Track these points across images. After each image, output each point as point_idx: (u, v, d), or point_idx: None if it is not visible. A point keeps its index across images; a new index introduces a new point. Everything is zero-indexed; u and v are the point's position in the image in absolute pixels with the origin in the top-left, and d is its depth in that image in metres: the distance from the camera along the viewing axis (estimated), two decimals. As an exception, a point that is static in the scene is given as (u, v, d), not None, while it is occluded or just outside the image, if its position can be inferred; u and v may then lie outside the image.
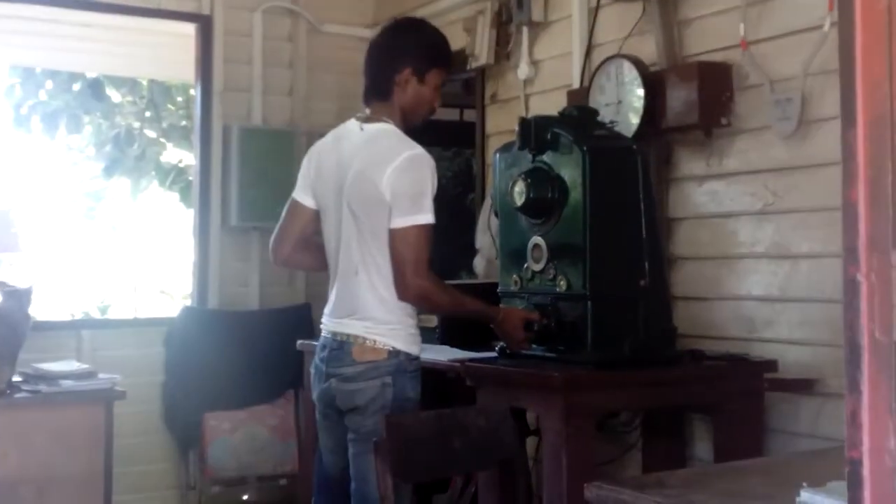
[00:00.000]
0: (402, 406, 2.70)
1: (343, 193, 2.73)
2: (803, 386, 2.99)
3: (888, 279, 1.15)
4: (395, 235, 2.66)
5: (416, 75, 2.80)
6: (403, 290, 2.70)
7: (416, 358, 2.78)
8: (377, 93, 2.82)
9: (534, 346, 2.94)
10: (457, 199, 5.49)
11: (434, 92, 2.85)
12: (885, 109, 1.17)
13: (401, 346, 2.73)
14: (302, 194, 2.89)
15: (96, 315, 9.30)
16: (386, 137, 2.74)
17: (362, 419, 2.70)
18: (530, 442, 3.48)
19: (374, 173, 2.66)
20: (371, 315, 2.71)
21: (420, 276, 2.69)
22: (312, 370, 2.88)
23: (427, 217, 2.67)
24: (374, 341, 2.70)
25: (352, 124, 2.83)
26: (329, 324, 2.81)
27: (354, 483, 2.72)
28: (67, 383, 3.51)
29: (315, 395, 2.87)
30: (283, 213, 2.94)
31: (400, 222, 2.65)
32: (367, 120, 2.80)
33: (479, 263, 4.09)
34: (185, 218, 5.76)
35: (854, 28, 1.18)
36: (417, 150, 2.70)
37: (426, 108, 2.86)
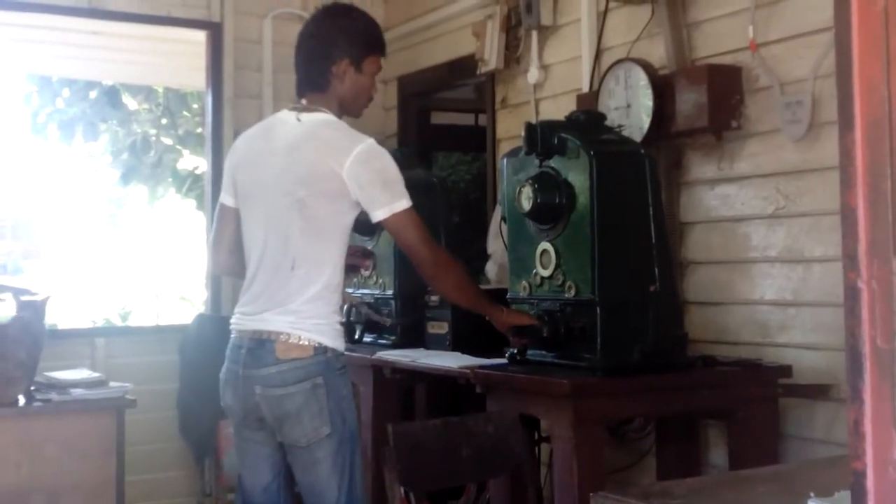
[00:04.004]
0: (339, 406, 2.53)
1: (284, 184, 2.56)
2: (818, 391, 2.95)
3: (889, 285, 1.12)
4: (390, 226, 2.56)
5: (353, 65, 2.66)
6: (430, 267, 2.59)
7: (343, 354, 2.59)
8: (313, 85, 2.67)
9: (543, 352, 2.92)
10: (475, 203, 5.48)
11: (371, 80, 2.72)
12: (883, 113, 1.14)
13: (327, 342, 2.53)
14: (227, 196, 2.73)
15: (117, 322, 9.35)
16: (330, 128, 2.61)
17: (300, 429, 2.50)
18: (545, 449, 3.46)
19: (331, 165, 2.51)
20: (297, 309, 2.52)
21: (438, 249, 2.62)
22: (223, 376, 2.63)
23: (407, 202, 2.55)
24: (299, 337, 2.50)
25: (285, 115, 2.67)
26: (245, 321, 2.59)
27: (307, 499, 2.58)
28: (78, 392, 3.51)
29: (230, 404, 2.62)
30: (215, 220, 2.81)
31: (385, 212, 2.53)
32: (303, 110, 2.64)
33: (490, 269, 4.07)
34: (201, 225, 5.78)
35: (851, 31, 1.16)
36: (369, 140, 2.57)
37: (365, 98, 2.73)
